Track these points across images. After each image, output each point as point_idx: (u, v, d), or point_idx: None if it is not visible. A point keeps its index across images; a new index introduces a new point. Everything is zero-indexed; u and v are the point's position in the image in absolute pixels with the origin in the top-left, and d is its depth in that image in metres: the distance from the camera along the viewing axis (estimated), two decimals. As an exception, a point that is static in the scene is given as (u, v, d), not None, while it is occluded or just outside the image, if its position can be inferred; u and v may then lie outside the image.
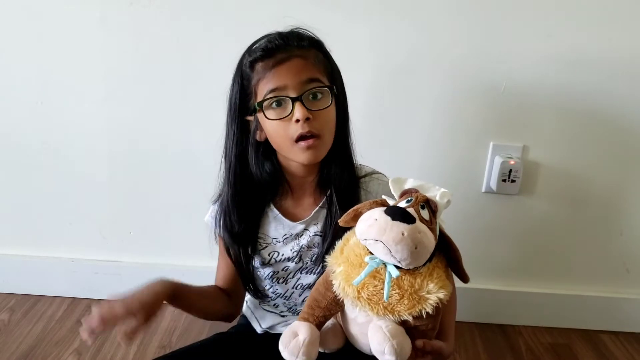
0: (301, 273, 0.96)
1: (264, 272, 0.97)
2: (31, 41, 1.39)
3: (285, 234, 0.94)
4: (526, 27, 1.33)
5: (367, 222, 0.71)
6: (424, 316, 0.72)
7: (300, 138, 0.82)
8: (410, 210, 0.72)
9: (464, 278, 0.78)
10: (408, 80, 1.38)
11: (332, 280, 0.76)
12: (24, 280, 1.60)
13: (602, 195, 1.48)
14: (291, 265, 0.95)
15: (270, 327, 1.02)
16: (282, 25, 0.90)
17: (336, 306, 0.78)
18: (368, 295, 0.72)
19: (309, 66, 0.82)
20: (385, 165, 1.00)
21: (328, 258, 0.78)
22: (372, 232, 0.70)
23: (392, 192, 0.78)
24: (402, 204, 0.74)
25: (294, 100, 0.81)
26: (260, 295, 1.00)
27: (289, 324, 0.79)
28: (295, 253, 0.94)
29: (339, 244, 0.79)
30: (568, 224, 1.51)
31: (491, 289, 1.57)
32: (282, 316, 1.01)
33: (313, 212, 0.93)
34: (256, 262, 0.97)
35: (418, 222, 0.70)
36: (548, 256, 1.55)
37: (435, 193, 0.77)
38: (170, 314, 1.55)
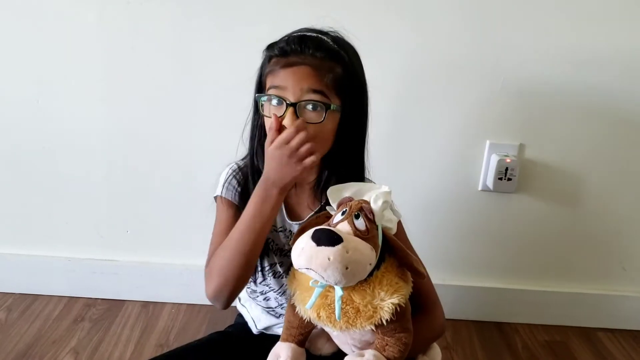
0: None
1: (261, 265, 0.97)
2: (28, 40, 1.38)
3: (282, 226, 0.95)
4: (523, 25, 1.34)
5: (296, 251, 0.70)
6: (385, 323, 0.71)
7: None
8: (343, 224, 0.71)
9: (419, 276, 0.75)
10: (404, 79, 1.38)
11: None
12: (21, 279, 1.60)
13: (598, 193, 1.48)
14: (281, 258, 0.95)
15: (266, 328, 1.02)
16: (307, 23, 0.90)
17: (309, 324, 0.78)
18: (327, 315, 0.73)
19: (316, 77, 0.81)
20: (382, 164, 1.01)
21: (286, 282, 0.79)
22: (301, 261, 0.69)
23: (331, 203, 0.77)
24: (338, 217, 0.73)
25: (288, 104, 0.81)
26: (261, 274, 0.98)
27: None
28: (289, 247, 0.94)
29: (292, 268, 0.78)
30: (564, 222, 1.51)
31: (488, 286, 1.57)
32: (277, 317, 1.01)
33: (308, 217, 0.93)
34: None
35: (347, 239, 0.68)
36: (544, 254, 1.55)
37: (373, 195, 0.75)
38: (167, 313, 1.55)
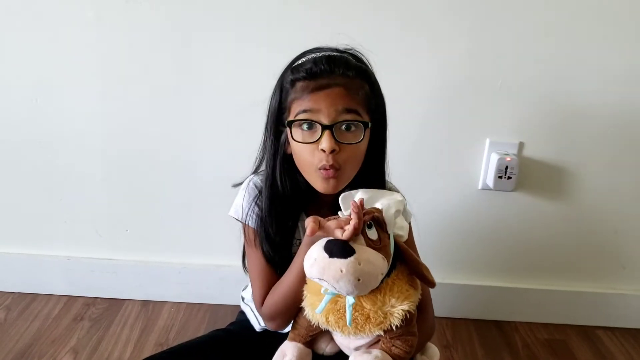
0: None
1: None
2: (26, 38, 1.38)
3: (298, 239, 0.93)
4: (523, 24, 1.34)
5: (309, 261, 0.70)
6: (394, 329, 0.72)
7: (322, 167, 0.81)
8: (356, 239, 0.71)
9: (430, 284, 0.76)
10: (404, 78, 1.38)
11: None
12: (20, 279, 1.60)
13: (598, 192, 1.48)
14: None
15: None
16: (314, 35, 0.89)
17: (317, 327, 0.79)
18: (335, 320, 0.73)
19: (349, 96, 0.79)
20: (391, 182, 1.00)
21: None
22: (314, 271, 0.69)
23: (343, 210, 0.76)
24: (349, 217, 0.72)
25: (324, 127, 0.78)
26: None
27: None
28: None
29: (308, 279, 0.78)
30: (564, 221, 1.51)
31: (487, 285, 1.57)
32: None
33: None
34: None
35: (359, 251, 0.68)
36: (544, 253, 1.55)
37: (386, 203, 0.75)
38: (167, 312, 1.55)
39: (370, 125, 0.82)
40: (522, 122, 1.43)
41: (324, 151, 0.79)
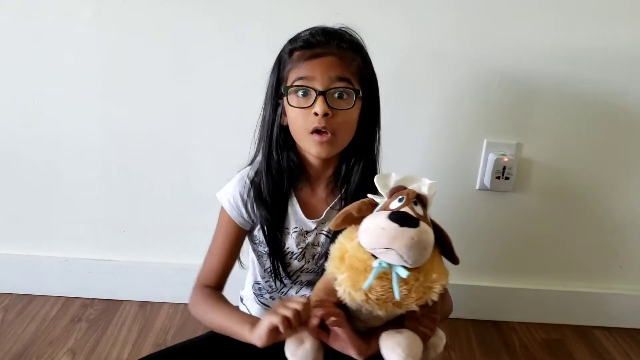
0: (301, 272, 0.98)
1: (266, 265, 0.98)
2: (24, 38, 1.38)
3: (296, 227, 0.96)
4: (520, 24, 1.34)
5: (375, 232, 0.73)
6: (430, 304, 0.75)
7: (316, 131, 0.85)
8: (406, 209, 0.74)
9: (456, 261, 0.81)
10: (401, 78, 1.38)
11: (334, 288, 0.77)
12: (18, 280, 1.59)
13: (595, 192, 1.49)
14: (295, 263, 0.97)
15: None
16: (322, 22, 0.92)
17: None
18: (377, 296, 0.74)
19: (342, 66, 0.85)
20: (379, 163, 1.00)
21: (328, 266, 0.79)
22: (382, 241, 0.71)
23: (380, 190, 0.79)
24: (395, 203, 0.76)
25: (318, 93, 0.83)
26: (283, 276, 0.99)
27: None
28: (300, 249, 0.96)
29: (335, 251, 0.79)
30: (561, 221, 1.52)
31: (485, 285, 1.58)
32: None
33: (325, 213, 0.94)
34: (262, 249, 0.98)
35: (421, 223, 0.72)
36: (541, 253, 1.56)
37: (421, 185, 0.79)
38: (165, 313, 1.55)
39: (361, 94, 0.87)
40: (519, 122, 1.43)
41: (317, 114, 0.83)
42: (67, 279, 1.59)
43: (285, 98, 0.87)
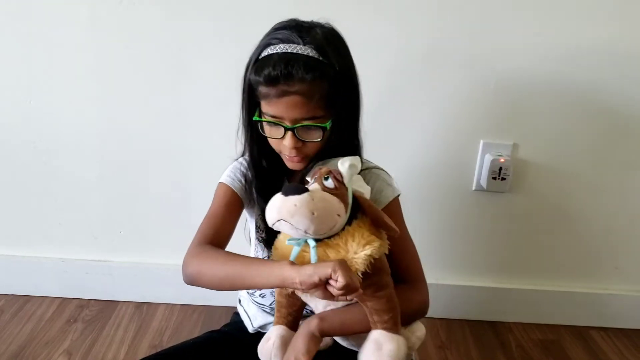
0: None
1: (258, 254, 0.99)
2: (20, 40, 1.38)
3: None
4: (515, 24, 1.34)
5: (268, 207, 0.74)
6: (360, 276, 0.73)
7: (288, 155, 0.89)
8: (314, 185, 0.76)
9: (390, 231, 0.77)
10: (398, 79, 1.38)
11: None
12: (14, 281, 1.59)
13: (591, 193, 1.49)
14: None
15: (262, 327, 1.02)
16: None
17: (295, 300, 0.83)
18: None
19: (308, 105, 0.83)
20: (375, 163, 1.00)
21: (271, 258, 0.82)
22: (272, 214, 0.73)
23: (308, 178, 0.82)
24: (311, 183, 0.78)
25: (286, 129, 0.85)
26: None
27: None
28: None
29: (275, 241, 0.83)
30: (557, 222, 1.52)
31: (481, 286, 1.58)
32: (273, 315, 1.01)
33: None
34: (254, 236, 0.99)
35: (313, 190, 0.73)
36: (538, 253, 1.56)
37: (339, 163, 0.80)
38: (161, 314, 1.55)
39: (328, 126, 0.86)
40: (515, 123, 1.43)
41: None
42: (63, 279, 1.58)
43: (258, 125, 0.89)
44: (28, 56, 1.39)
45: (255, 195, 0.96)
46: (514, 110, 1.42)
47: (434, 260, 1.53)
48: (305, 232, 0.72)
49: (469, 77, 1.38)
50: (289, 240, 0.75)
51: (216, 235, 0.91)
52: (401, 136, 1.43)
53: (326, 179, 0.76)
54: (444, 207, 1.51)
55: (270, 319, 1.01)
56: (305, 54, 0.83)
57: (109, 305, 1.57)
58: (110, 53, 1.38)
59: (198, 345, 0.97)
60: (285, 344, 0.82)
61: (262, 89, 0.84)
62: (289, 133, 0.85)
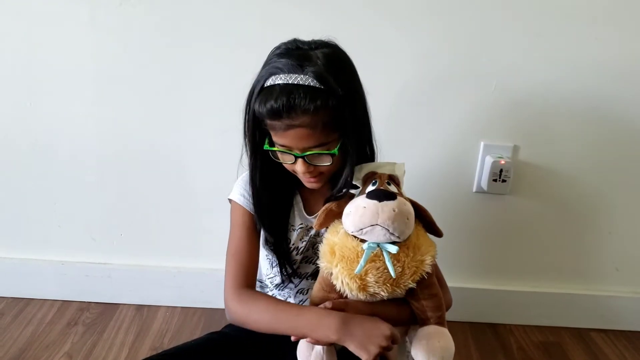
0: (305, 264, 1.02)
1: (272, 260, 1.02)
2: (19, 41, 1.37)
3: (301, 223, 0.99)
4: (516, 27, 1.34)
5: (358, 212, 0.75)
6: (426, 277, 0.77)
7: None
8: (371, 188, 0.79)
9: (439, 233, 0.85)
10: (398, 81, 1.38)
11: (332, 283, 0.79)
12: (14, 283, 1.59)
13: (592, 195, 1.49)
14: (300, 257, 1.00)
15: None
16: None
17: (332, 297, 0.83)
18: (374, 279, 0.76)
19: (314, 135, 0.84)
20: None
21: (321, 264, 0.81)
22: (366, 219, 0.74)
23: (354, 181, 0.84)
24: (370, 187, 0.79)
25: (297, 156, 0.87)
26: (289, 271, 1.01)
27: None
28: (305, 243, 1.00)
29: (324, 247, 0.82)
30: (558, 223, 1.52)
31: (482, 288, 1.58)
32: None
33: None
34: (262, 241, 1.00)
35: (398, 196, 0.76)
36: (538, 255, 1.56)
37: (391, 167, 0.84)
38: (162, 316, 1.55)
39: (336, 151, 0.86)
40: (516, 125, 1.43)
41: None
42: (64, 282, 1.58)
43: (270, 153, 0.90)
44: (27, 57, 1.38)
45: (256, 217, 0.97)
46: (514, 112, 1.41)
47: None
48: (399, 236, 0.74)
49: (470, 79, 1.38)
50: (369, 244, 0.75)
51: (248, 274, 0.95)
52: (401, 138, 1.43)
53: (389, 184, 0.79)
54: (444, 208, 1.51)
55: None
56: (306, 84, 0.81)
57: (110, 308, 1.57)
58: (110, 54, 1.38)
59: (199, 346, 0.97)
60: (332, 351, 0.81)
61: (268, 122, 0.86)
62: (300, 160, 0.87)
